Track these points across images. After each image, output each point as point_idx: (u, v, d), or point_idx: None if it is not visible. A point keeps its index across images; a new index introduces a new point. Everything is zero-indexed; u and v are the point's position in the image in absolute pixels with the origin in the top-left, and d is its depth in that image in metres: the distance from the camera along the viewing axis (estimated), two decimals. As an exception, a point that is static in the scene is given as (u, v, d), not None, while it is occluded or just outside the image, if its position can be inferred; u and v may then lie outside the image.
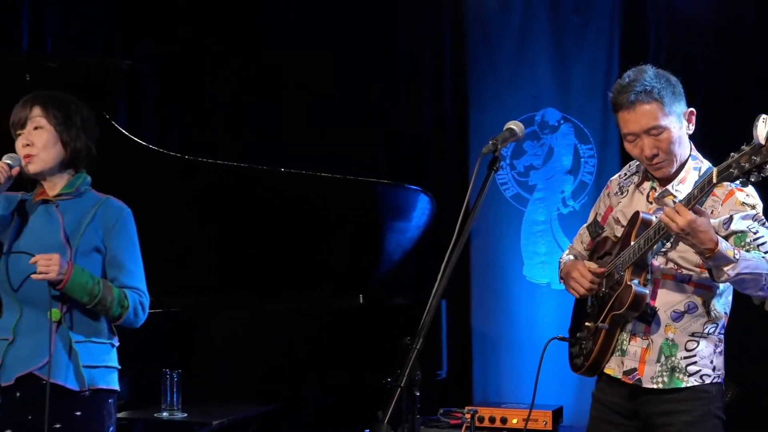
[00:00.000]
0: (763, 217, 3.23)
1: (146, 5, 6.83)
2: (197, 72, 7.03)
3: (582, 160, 6.34)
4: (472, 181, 2.92)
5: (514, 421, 5.35)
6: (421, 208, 5.97)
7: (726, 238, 3.13)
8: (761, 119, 2.77)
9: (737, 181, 2.88)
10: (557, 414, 5.53)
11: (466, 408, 5.29)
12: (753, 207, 3.22)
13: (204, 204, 5.52)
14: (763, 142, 2.75)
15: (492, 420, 5.42)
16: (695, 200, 2.98)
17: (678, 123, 3.24)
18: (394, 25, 6.82)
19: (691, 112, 3.30)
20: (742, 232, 3.17)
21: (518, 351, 6.26)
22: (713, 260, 3.01)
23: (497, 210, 6.43)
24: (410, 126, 6.78)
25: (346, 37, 6.84)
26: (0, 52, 6.29)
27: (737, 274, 3.03)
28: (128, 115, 6.71)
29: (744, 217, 3.18)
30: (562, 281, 3.60)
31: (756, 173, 2.79)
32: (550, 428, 5.39)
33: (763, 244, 3.16)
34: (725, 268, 3.02)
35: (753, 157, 2.78)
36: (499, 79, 6.52)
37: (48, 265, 3.22)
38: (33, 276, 3.25)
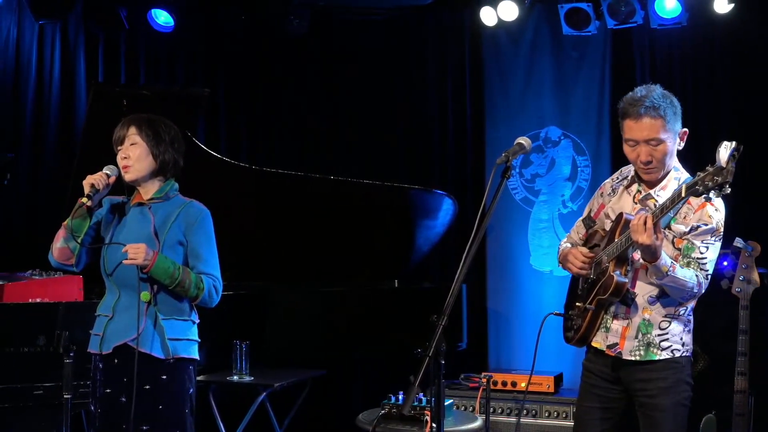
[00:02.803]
0: (720, 233, 3.21)
1: (219, 43, 6.86)
2: (261, 97, 7.05)
3: (579, 169, 6.29)
4: (488, 187, 2.91)
5: (522, 384, 5.34)
6: (446, 209, 5.95)
7: (686, 239, 3.19)
8: (723, 146, 2.75)
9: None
10: (558, 379, 5.50)
11: (483, 374, 5.28)
12: (716, 222, 3.19)
13: (269, 205, 5.52)
14: (724, 165, 2.74)
15: (504, 384, 5.41)
16: (666, 209, 3.00)
17: (674, 139, 3.22)
18: (426, 60, 6.80)
19: (684, 132, 3.27)
20: (693, 245, 3.18)
21: (525, 326, 6.22)
22: (651, 267, 3.08)
23: (508, 210, 6.40)
24: (438, 142, 6.76)
25: (388, 69, 6.83)
26: (103, 83, 6.35)
27: (662, 284, 3.11)
28: (207, 133, 6.74)
29: (704, 231, 3.17)
30: (561, 264, 3.58)
31: (717, 190, 2.78)
32: (553, 390, 5.36)
33: (704, 263, 3.18)
34: (655, 276, 3.09)
35: (716, 177, 2.76)
36: (510, 102, 6.49)
37: (136, 252, 3.23)
38: (124, 261, 3.26)
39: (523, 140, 3.03)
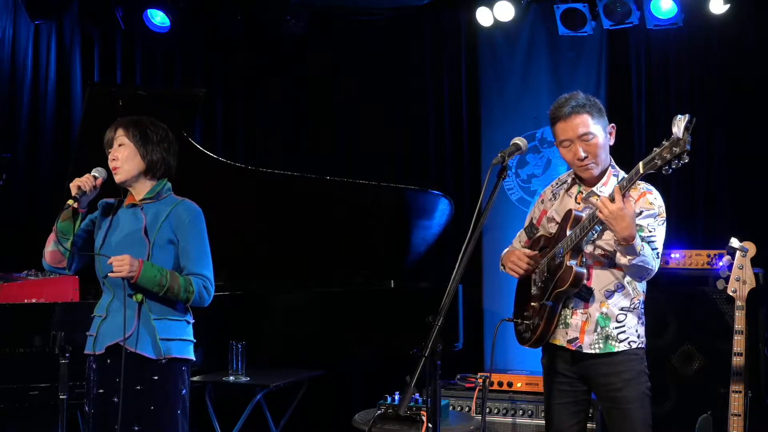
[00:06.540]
0: (663, 217, 3.29)
1: (216, 43, 6.85)
2: (258, 98, 7.05)
3: (575, 169, 6.29)
4: (484, 187, 2.92)
5: (519, 384, 5.32)
6: (442, 209, 5.95)
7: None
8: (678, 118, 2.83)
9: (647, 184, 3.02)
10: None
11: (479, 374, 5.26)
12: (657, 207, 3.27)
13: (265, 205, 5.51)
14: (680, 135, 2.80)
15: (500, 384, 5.39)
16: (625, 189, 3.03)
17: (603, 133, 3.32)
18: (423, 60, 6.81)
19: (612, 127, 3.38)
20: (641, 227, 3.22)
21: (522, 327, 6.22)
22: (625, 249, 3.08)
23: (504, 211, 6.39)
24: (434, 142, 6.76)
25: (385, 70, 6.83)
26: (99, 84, 6.34)
27: (634, 263, 3.11)
28: (204, 133, 6.74)
29: (647, 216, 3.24)
30: (502, 268, 3.61)
31: (676, 162, 2.84)
32: (549, 391, 5.34)
33: (653, 242, 3.23)
34: (629, 257, 3.09)
35: (673, 148, 2.83)
36: (506, 103, 6.50)
37: (121, 265, 3.22)
38: (110, 274, 3.26)
39: (519, 140, 3.07)
